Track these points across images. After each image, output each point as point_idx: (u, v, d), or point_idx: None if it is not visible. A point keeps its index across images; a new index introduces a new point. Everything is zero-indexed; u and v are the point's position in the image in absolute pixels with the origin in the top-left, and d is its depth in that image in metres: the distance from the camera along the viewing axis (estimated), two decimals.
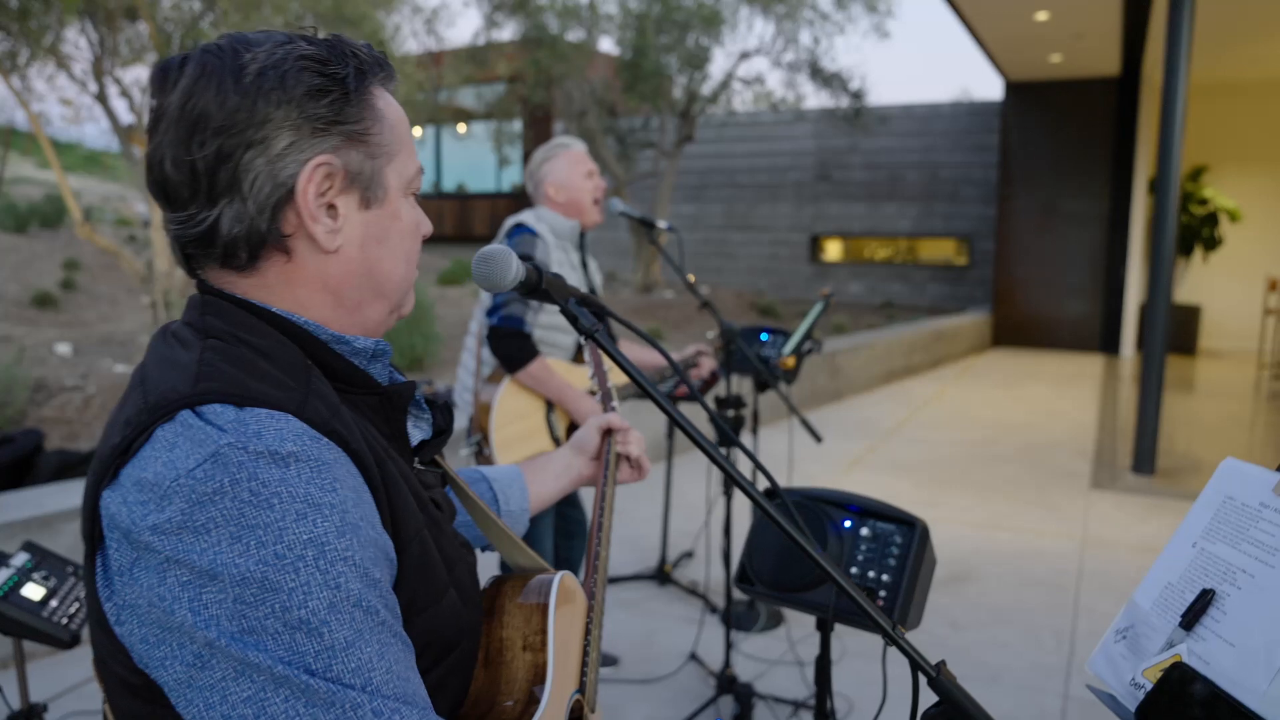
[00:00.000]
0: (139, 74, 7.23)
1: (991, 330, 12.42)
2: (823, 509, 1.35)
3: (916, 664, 0.91)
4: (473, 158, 18.52)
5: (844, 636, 3.18)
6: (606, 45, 12.60)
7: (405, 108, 0.91)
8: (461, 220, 18.93)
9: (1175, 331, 11.67)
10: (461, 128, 16.21)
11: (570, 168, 2.64)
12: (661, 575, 3.82)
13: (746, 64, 18.64)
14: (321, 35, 0.81)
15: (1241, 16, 7.93)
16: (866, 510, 1.35)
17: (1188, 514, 1.00)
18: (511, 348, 2.44)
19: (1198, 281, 12.26)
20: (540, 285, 0.93)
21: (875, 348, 8.69)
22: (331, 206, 0.79)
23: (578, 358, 2.69)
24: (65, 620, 1.67)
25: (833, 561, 0.89)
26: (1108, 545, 4.32)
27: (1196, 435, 6.82)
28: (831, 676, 1.46)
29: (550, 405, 2.56)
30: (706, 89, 12.11)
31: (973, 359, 11.19)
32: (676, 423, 0.94)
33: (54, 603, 1.68)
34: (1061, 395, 8.51)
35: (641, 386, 0.95)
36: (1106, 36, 9.24)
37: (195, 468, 0.65)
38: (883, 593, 1.28)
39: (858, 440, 6.46)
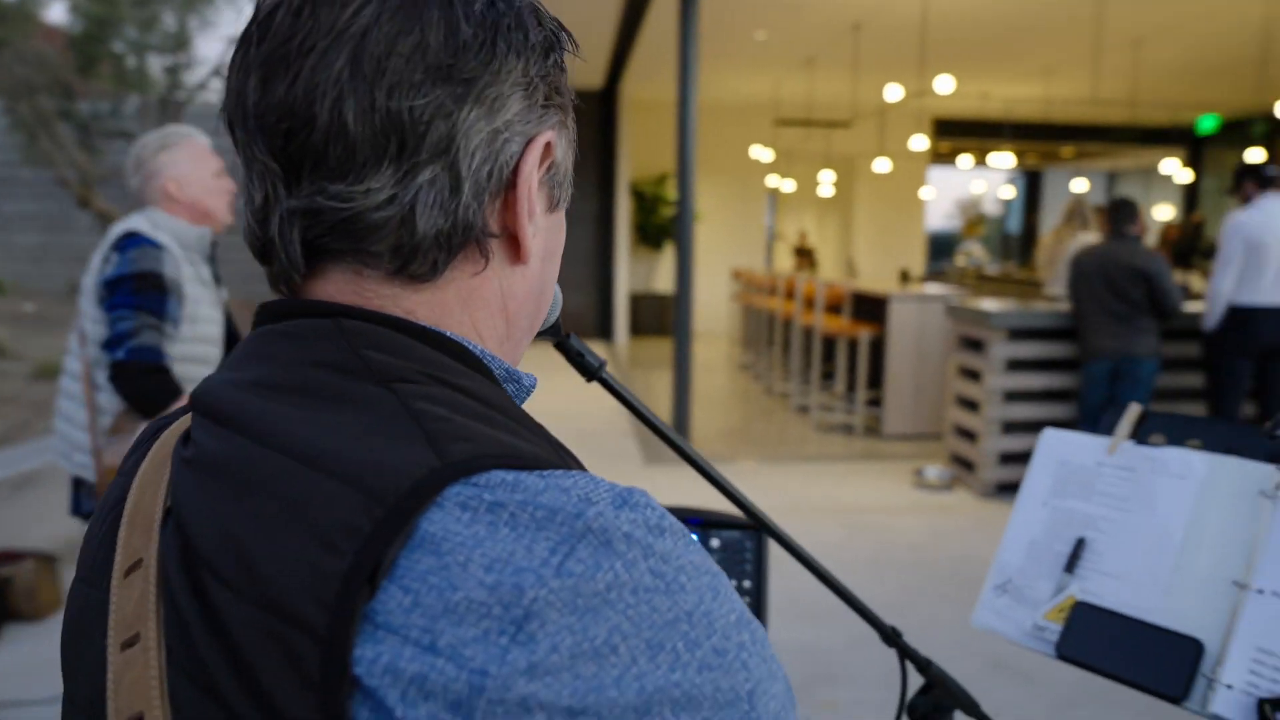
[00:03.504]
0: None
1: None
2: None
3: (911, 657, 0.98)
4: None
5: None
6: (57, 14, 10.65)
7: None
8: None
9: (654, 317, 13.48)
10: None
11: (196, 162, 2.22)
12: None
13: None
14: None
15: (703, 48, 9.38)
16: (710, 521, 1.38)
17: (1025, 481, 1.22)
18: (150, 387, 1.98)
19: (669, 272, 14.26)
20: (555, 320, 0.80)
21: None
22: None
23: None
24: None
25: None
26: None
27: (703, 405, 7.98)
28: None
29: None
30: (198, 75, 10.90)
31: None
32: (681, 450, 0.89)
33: None
34: (580, 382, 9.30)
35: (649, 424, 0.88)
36: (598, 54, 10.27)
37: (563, 559, 0.42)
38: (747, 599, 1.33)
39: None
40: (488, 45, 0.52)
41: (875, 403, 7.02)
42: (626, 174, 12.76)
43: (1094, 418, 4.83)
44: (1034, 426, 5.28)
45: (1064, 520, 1.15)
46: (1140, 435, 1.14)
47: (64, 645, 0.57)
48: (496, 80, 0.52)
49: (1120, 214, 4.75)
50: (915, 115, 12.97)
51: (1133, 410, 1.14)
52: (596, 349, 12.41)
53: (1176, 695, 0.96)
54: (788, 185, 13.59)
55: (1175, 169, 11.33)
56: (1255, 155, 9.16)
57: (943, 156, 16.00)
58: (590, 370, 0.85)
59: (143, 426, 2.00)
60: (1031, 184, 19.81)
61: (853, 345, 7.25)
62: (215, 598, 0.44)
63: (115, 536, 0.53)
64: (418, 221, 0.51)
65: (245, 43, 0.53)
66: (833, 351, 7.63)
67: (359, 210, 0.51)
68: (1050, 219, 20.04)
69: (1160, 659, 0.98)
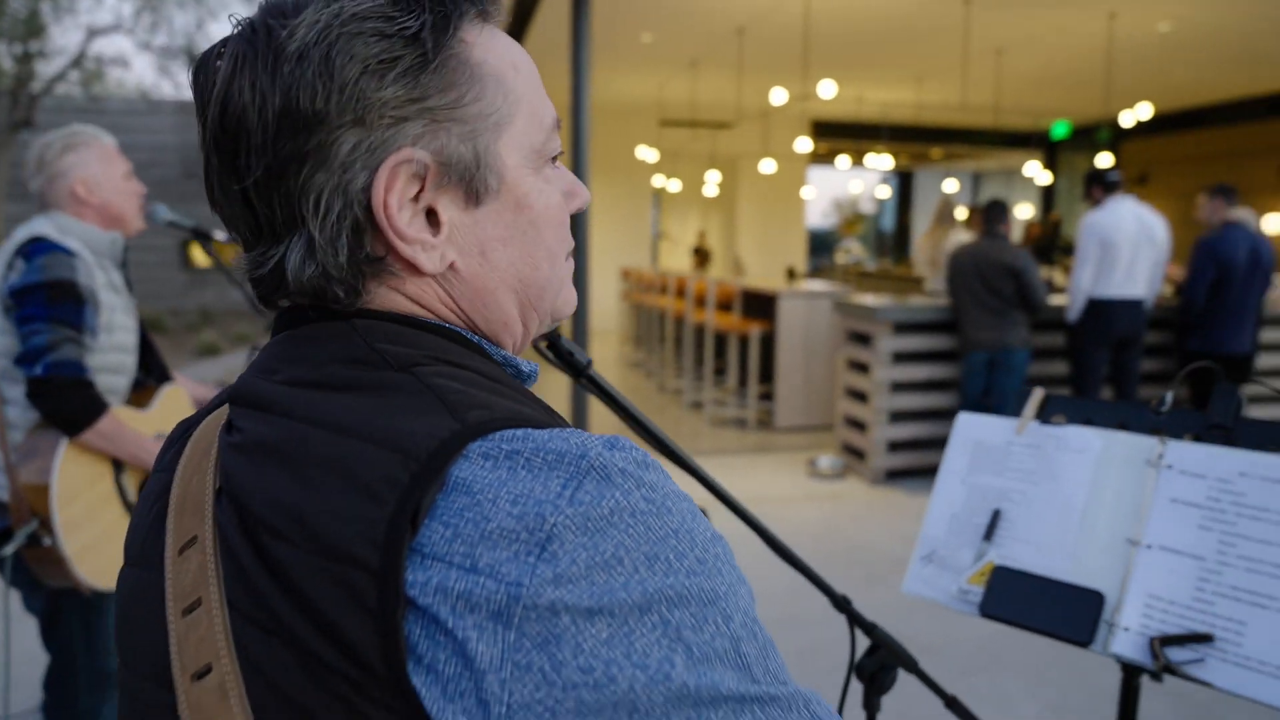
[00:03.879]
0: None
1: None
2: None
3: (859, 622, 1.09)
4: None
5: None
6: None
7: None
8: None
9: None
10: None
11: (106, 164, 2.14)
12: None
13: (106, 43, 16.17)
14: None
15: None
16: None
17: (944, 461, 1.35)
18: (75, 403, 1.92)
19: None
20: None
21: None
22: (432, 212, 0.59)
23: (135, 400, 2.23)
24: None
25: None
26: None
27: (596, 403, 8.07)
28: None
29: (119, 465, 2.09)
30: (55, 66, 10.27)
31: None
32: (663, 444, 0.98)
33: None
34: None
35: (633, 419, 0.96)
36: None
37: (573, 491, 0.50)
38: None
39: None
40: (292, 108, 0.55)
41: (767, 397, 7.26)
42: None
43: (975, 405, 5.16)
44: (920, 416, 5.59)
45: (980, 495, 1.29)
46: (1044, 416, 1.28)
47: (118, 623, 0.64)
48: (315, 131, 0.55)
49: (992, 214, 5.09)
50: (795, 117, 13.41)
51: (1036, 394, 1.29)
52: None
53: (1084, 640, 1.10)
54: (674, 185, 13.82)
55: (1037, 171, 12.10)
56: (1103, 160, 9.90)
57: (820, 157, 16.58)
58: (578, 368, 0.92)
59: (61, 442, 1.95)
60: (903, 184, 20.74)
61: (743, 341, 7.46)
62: (277, 553, 0.52)
63: (163, 523, 0.60)
64: (288, 274, 0.59)
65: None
66: (724, 348, 7.83)
67: (249, 269, 0.61)
68: (921, 217, 21.01)
69: (1069, 610, 1.13)
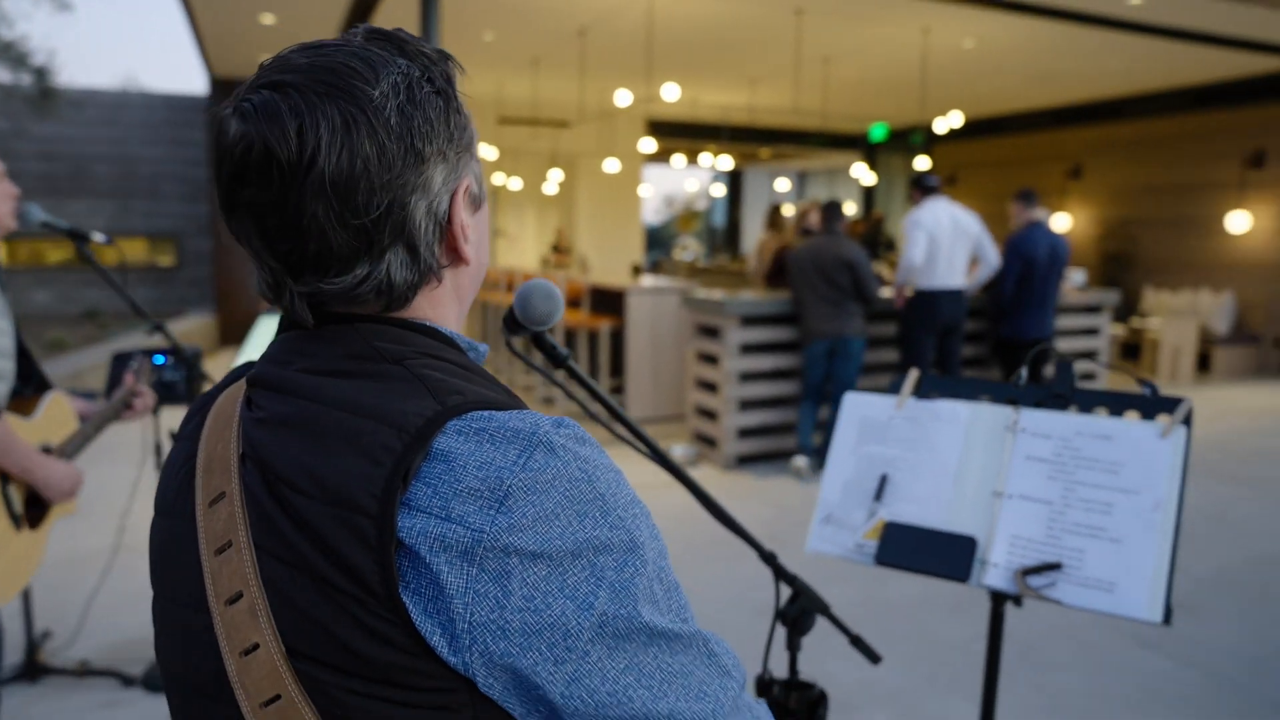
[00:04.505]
0: None
1: (219, 331, 12.29)
2: None
3: (781, 574, 1.27)
4: None
5: None
6: None
7: None
8: None
9: None
10: None
11: None
12: (33, 668, 3.14)
13: None
14: (378, 32, 0.74)
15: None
16: None
17: (834, 435, 1.56)
18: None
19: None
20: (555, 321, 0.99)
21: None
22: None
23: (15, 408, 2.14)
24: None
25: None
26: None
27: None
28: None
29: (4, 475, 2.01)
30: None
31: (208, 360, 10.95)
32: (635, 430, 1.11)
33: None
34: None
35: (607, 406, 1.09)
36: None
37: (525, 461, 0.64)
38: None
39: None
40: (411, 150, 0.69)
41: (618, 390, 7.47)
42: None
43: (816, 391, 5.54)
44: (767, 404, 5.93)
45: (869, 462, 1.49)
46: (919, 393, 1.51)
47: (154, 564, 0.77)
48: (423, 169, 0.70)
49: (830, 214, 5.49)
50: (632, 117, 13.70)
51: (912, 374, 1.51)
52: None
53: (963, 577, 1.32)
54: (515, 183, 13.83)
55: (863, 171, 12.91)
56: (922, 164, 10.70)
57: (655, 155, 16.99)
58: (559, 359, 1.05)
59: None
60: (734, 182, 21.53)
61: (593, 337, 7.64)
62: (296, 504, 0.65)
63: (191, 482, 0.73)
64: (394, 282, 0.72)
65: (223, 167, 0.68)
66: (573, 343, 7.98)
67: (348, 287, 0.71)
68: (752, 214, 21.86)
69: (949, 554, 1.35)
